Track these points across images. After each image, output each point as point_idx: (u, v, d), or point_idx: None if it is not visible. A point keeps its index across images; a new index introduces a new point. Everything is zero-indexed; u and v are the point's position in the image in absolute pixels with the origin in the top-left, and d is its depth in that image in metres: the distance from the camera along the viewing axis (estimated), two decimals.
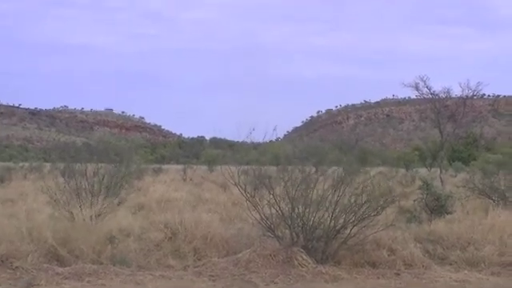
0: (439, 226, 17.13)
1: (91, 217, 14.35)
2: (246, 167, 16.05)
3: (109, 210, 15.96)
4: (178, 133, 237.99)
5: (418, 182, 27.53)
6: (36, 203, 20.19)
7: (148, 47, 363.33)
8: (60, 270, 12.50)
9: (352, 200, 14.19)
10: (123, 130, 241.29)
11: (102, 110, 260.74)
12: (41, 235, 13.44)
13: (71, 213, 14.68)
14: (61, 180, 18.49)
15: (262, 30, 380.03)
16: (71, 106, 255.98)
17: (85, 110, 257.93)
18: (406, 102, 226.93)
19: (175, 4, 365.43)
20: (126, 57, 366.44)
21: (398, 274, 13.23)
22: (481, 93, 42.78)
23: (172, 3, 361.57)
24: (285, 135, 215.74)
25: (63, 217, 14.70)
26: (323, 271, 12.99)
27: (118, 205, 17.12)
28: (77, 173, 18.04)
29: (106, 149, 20.49)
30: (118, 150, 20.16)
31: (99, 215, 15.06)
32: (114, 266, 12.91)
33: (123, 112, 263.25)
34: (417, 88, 39.82)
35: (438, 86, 40.45)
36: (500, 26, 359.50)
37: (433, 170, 57.43)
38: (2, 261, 12.60)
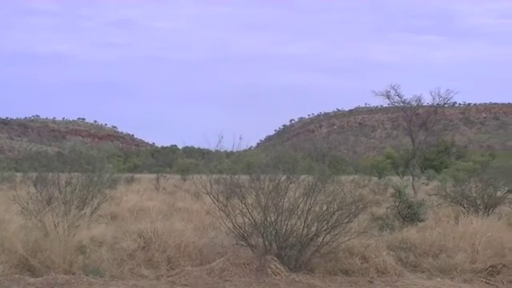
0: (411, 233, 17.23)
1: (63, 227, 14.24)
2: (218, 176, 16.05)
3: (81, 219, 15.86)
4: (150, 142, 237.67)
5: (391, 190, 27.74)
6: (7, 213, 20.01)
7: (120, 56, 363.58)
8: (32, 280, 12.41)
9: (324, 208, 14.23)
10: (96, 139, 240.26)
11: (75, 119, 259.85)
12: (12, 245, 13.34)
13: (43, 223, 14.57)
14: (33, 190, 18.36)
15: (232, 40, 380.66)
16: (43, 116, 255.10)
17: (57, 119, 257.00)
18: (378, 110, 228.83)
19: (146, 13, 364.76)
20: (98, 66, 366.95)
21: (371, 282, 13.28)
22: (452, 101, 43.06)
23: (143, 12, 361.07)
24: (258, 144, 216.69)
25: (35, 227, 14.58)
26: (297, 279, 13.01)
27: (91, 214, 17.01)
28: (49, 182, 17.91)
29: (78, 158, 20.35)
30: (90, 159, 20.03)
31: (72, 225, 14.96)
32: (86, 275, 12.83)
33: (95, 121, 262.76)
34: (388, 96, 39.99)
35: (409, 94, 40.60)
36: (468, 35, 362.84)
37: (405, 177, 57.70)
38: None
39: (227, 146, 16.01)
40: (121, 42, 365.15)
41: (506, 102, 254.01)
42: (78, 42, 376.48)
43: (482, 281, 13.61)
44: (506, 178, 24.19)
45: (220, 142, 15.46)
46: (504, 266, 14.04)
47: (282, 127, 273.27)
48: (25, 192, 18.08)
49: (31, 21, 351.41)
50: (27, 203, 16.82)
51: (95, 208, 17.78)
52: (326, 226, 14.09)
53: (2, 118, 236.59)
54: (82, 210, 16.68)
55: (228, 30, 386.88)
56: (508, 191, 24.04)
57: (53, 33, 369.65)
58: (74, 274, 12.91)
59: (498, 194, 23.68)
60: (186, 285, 12.71)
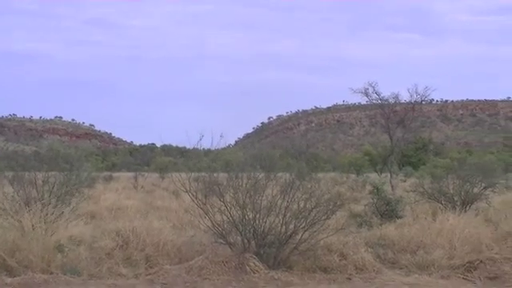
0: (390, 230, 17.31)
1: (41, 226, 14.17)
2: (196, 174, 16.03)
3: (59, 218, 15.78)
4: (128, 140, 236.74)
5: (369, 187, 27.81)
6: None
7: (97, 55, 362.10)
8: (9, 280, 12.36)
9: (302, 205, 14.25)
10: (73, 138, 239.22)
11: (52, 117, 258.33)
12: None
13: (20, 222, 14.50)
14: (9, 189, 18.25)
15: (210, 39, 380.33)
16: (20, 114, 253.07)
17: (34, 118, 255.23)
18: (356, 107, 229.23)
19: (123, 11, 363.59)
20: (75, 64, 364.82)
21: (350, 279, 13.33)
22: (429, 98, 43.29)
23: (120, 11, 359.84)
24: (236, 142, 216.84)
25: (12, 226, 14.50)
26: (275, 277, 13.03)
27: (69, 213, 16.93)
28: (26, 182, 17.81)
29: (55, 157, 20.18)
30: (68, 158, 19.90)
31: (50, 224, 14.88)
32: (64, 275, 12.78)
33: (73, 120, 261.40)
34: (366, 94, 40.19)
35: (386, 92, 40.81)
36: (445, 32, 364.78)
37: (383, 174, 57.87)
38: None
39: (206, 144, 16.02)
40: (98, 41, 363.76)
41: (483, 98, 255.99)
42: (54, 40, 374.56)
43: (459, 277, 13.70)
44: (483, 175, 24.32)
45: (200, 140, 15.46)
46: (481, 261, 14.13)
47: (260, 125, 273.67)
48: (1, 192, 17.94)
49: (7, 19, 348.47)
50: (3, 203, 16.71)
51: (73, 207, 17.70)
52: (304, 224, 14.11)
53: None
54: (60, 209, 16.61)
55: (206, 29, 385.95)
56: (485, 187, 24.19)
57: (29, 31, 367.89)
58: (51, 273, 12.85)
59: (475, 190, 23.82)
60: (164, 283, 12.70)
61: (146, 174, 62.96)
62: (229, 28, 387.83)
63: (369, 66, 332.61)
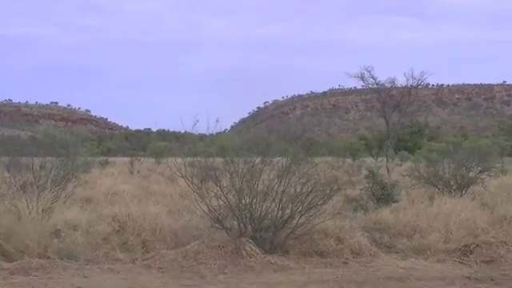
0: (385, 214, 17.35)
1: (37, 211, 14.18)
2: (192, 159, 16.03)
3: (56, 203, 15.79)
4: (124, 125, 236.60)
5: (365, 172, 27.85)
6: None
7: (92, 39, 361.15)
8: (6, 265, 12.36)
9: (298, 189, 14.27)
10: (69, 123, 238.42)
11: (47, 103, 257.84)
12: None
13: (17, 207, 14.50)
14: (6, 174, 18.25)
15: (205, 23, 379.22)
16: (15, 100, 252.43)
17: (29, 103, 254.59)
18: (352, 91, 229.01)
19: None
20: (71, 49, 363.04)
21: (346, 263, 13.35)
22: (425, 82, 43.20)
23: None
24: (232, 126, 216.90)
25: (8, 211, 14.50)
26: (272, 261, 13.05)
27: (65, 198, 16.94)
28: (23, 167, 17.81)
29: (51, 142, 20.18)
30: (63, 143, 19.89)
31: (46, 209, 14.89)
32: (61, 260, 12.79)
33: (69, 105, 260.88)
34: (362, 78, 40.01)
35: (383, 76, 40.82)
36: (441, 16, 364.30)
37: (379, 159, 57.92)
38: None
39: (201, 128, 16.00)
40: (93, 25, 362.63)
41: (479, 82, 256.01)
42: (49, 24, 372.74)
43: (455, 260, 13.71)
44: (479, 159, 24.38)
45: (195, 124, 15.43)
46: (477, 245, 14.14)
47: (256, 110, 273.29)
48: None
49: (3, 3, 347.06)
50: (0, 187, 16.72)
51: (69, 192, 17.71)
52: (300, 208, 14.14)
53: None
54: (57, 194, 16.62)
55: (200, 13, 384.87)
56: (480, 171, 24.25)
57: (24, 16, 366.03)
58: (48, 258, 12.87)
59: (471, 174, 23.89)
60: (161, 268, 12.73)
61: (142, 159, 62.91)
62: (225, 12, 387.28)
63: (365, 49, 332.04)
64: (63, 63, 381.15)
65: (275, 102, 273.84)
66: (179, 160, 15.60)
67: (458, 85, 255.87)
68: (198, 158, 15.89)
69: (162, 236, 14.62)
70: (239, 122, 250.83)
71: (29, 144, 22.72)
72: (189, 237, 14.47)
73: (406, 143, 70.64)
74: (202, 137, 19.83)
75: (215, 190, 14.63)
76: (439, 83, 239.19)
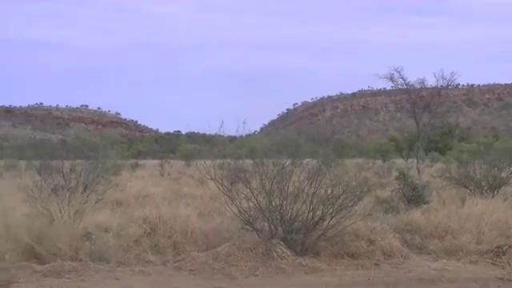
0: (416, 215, 17.27)
1: (69, 214, 14.26)
2: (222, 161, 16.04)
3: (86, 206, 15.88)
4: (154, 128, 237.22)
5: (395, 173, 27.71)
6: (13, 201, 20.02)
7: (121, 43, 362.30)
8: (39, 267, 12.44)
9: (329, 191, 14.23)
10: (99, 126, 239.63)
11: (78, 106, 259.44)
12: (17, 233, 13.37)
13: (48, 210, 14.60)
14: (37, 178, 18.38)
15: (232, 24, 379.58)
16: (46, 103, 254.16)
17: (60, 106, 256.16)
18: (382, 92, 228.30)
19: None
20: (100, 53, 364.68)
21: (377, 265, 13.29)
22: (455, 82, 43.06)
23: None
24: (261, 128, 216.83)
25: (40, 214, 14.60)
26: (303, 263, 13.02)
27: (96, 201, 17.03)
28: (53, 170, 17.94)
29: (81, 145, 20.35)
30: (94, 146, 20.04)
31: (77, 212, 14.98)
32: (93, 262, 12.85)
33: (99, 108, 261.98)
34: (392, 79, 39.99)
35: (412, 77, 40.66)
36: (471, 15, 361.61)
37: (409, 160, 57.66)
38: None
39: (231, 131, 16.03)
40: (120, 28, 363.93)
41: (510, 82, 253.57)
42: (77, 28, 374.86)
43: (487, 262, 13.61)
44: (510, 159, 24.17)
45: (221, 126, 15.47)
46: (510, 246, 14.03)
47: (285, 111, 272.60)
48: (29, 180, 18.07)
49: (33, 8, 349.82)
50: (32, 191, 16.84)
51: (100, 194, 17.80)
52: (331, 210, 14.10)
53: (6, 106, 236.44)
54: (87, 196, 16.72)
55: (226, 14, 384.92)
56: None
57: (52, 20, 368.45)
58: (80, 260, 12.94)
59: (503, 175, 23.70)
60: (192, 270, 12.74)
61: (172, 162, 63.11)
62: (251, 13, 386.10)
63: (394, 50, 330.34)
64: (93, 67, 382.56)
65: (304, 103, 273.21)
66: (209, 162, 15.61)
67: (488, 85, 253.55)
68: (228, 160, 15.90)
69: (192, 238, 14.64)
70: (268, 123, 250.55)
71: (59, 147, 22.87)
72: (219, 239, 14.47)
73: (437, 144, 70.33)
74: (231, 139, 19.84)
75: (245, 192, 14.63)
76: (469, 83, 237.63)
